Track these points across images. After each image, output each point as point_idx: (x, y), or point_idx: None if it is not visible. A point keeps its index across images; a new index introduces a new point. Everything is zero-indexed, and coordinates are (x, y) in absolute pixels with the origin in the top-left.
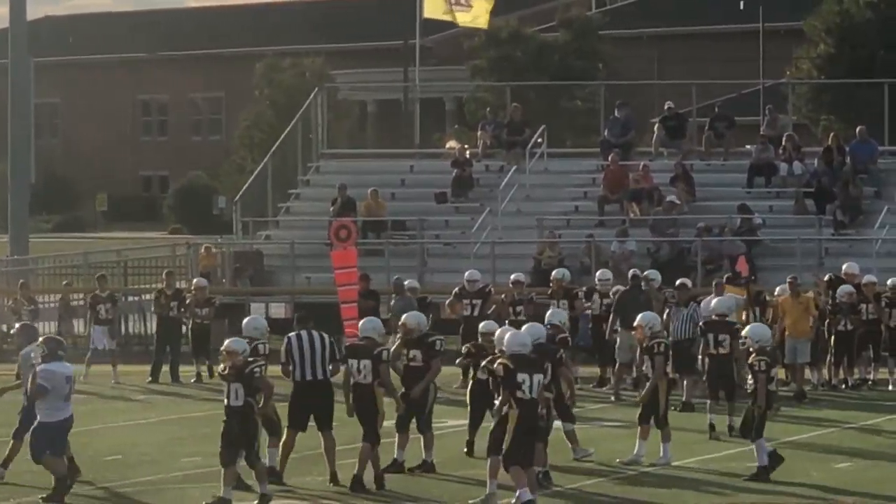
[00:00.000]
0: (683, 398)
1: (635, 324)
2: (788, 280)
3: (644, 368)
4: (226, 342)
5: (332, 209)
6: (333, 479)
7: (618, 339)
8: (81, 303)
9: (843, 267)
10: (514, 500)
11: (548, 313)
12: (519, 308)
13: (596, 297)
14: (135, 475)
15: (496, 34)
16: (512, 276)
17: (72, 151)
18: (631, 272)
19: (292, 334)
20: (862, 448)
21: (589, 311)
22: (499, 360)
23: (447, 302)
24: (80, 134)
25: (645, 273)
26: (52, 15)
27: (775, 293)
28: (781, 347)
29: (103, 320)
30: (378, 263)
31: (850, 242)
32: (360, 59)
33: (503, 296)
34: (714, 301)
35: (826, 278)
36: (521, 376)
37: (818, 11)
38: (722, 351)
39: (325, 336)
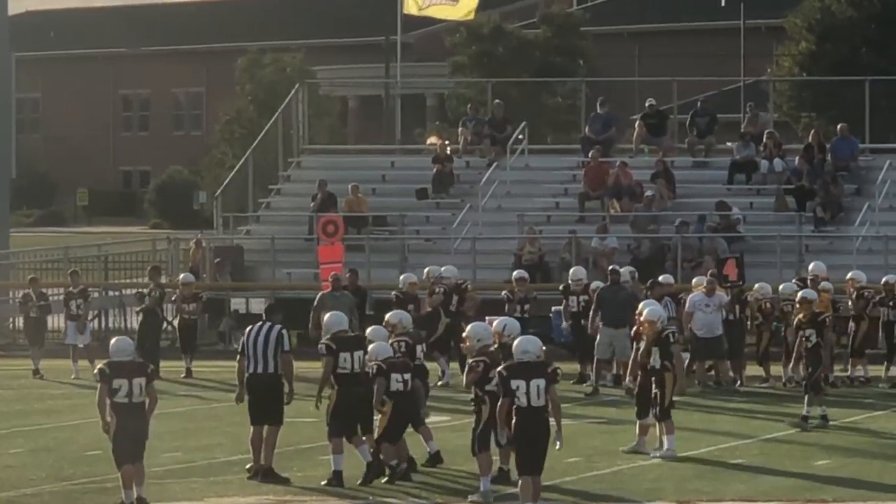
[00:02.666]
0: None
1: (643, 319)
2: (809, 278)
3: (652, 360)
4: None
5: (312, 205)
6: (256, 473)
7: (598, 336)
8: (58, 298)
9: (811, 267)
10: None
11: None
12: (526, 306)
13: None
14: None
15: (477, 30)
16: (515, 273)
17: (53, 146)
18: (610, 268)
19: (252, 326)
20: (841, 445)
21: (569, 308)
22: (497, 369)
23: (425, 297)
24: (61, 129)
25: (612, 266)
26: (33, 10)
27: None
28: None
29: (74, 316)
30: (359, 259)
31: (831, 240)
32: (341, 55)
33: (504, 293)
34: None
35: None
36: (514, 383)
37: (800, 8)
38: (808, 345)
39: (279, 328)
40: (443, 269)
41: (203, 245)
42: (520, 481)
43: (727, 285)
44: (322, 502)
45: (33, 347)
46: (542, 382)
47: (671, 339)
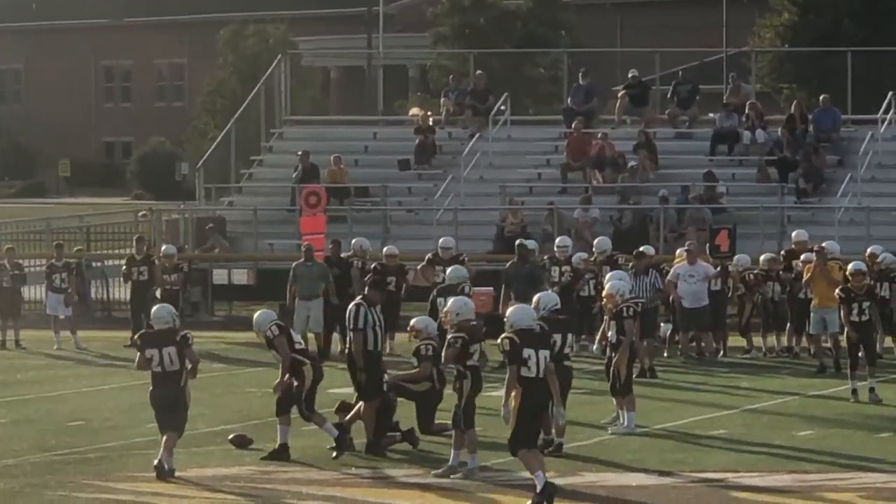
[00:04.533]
0: (643, 364)
1: (605, 293)
2: (816, 249)
3: (609, 335)
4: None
5: (294, 176)
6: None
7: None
8: (36, 269)
9: (793, 235)
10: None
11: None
12: None
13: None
14: (98, 441)
15: (459, 1)
16: (517, 244)
17: (34, 118)
18: (517, 242)
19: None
20: (823, 416)
21: (551, 279)
22: (504, 335)
23: (419, 267)
24: (43, 100)
25: (519, 241)
26: None
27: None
28: (804, 316)
29: (58, 288)
30: (341, 230)
31: (813, 211)
32: (323, 26)
33: (508, 265)
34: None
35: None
36: (527, 352)
37: None
38: (864, 318)
39: (351, 306)
40: (441, 240)
41: (164, 217)
42: (522, 453)
43: (718, 256)
44: (304, 472)
45: (5, 319)
46: (547, 353)
47: (624, 314)
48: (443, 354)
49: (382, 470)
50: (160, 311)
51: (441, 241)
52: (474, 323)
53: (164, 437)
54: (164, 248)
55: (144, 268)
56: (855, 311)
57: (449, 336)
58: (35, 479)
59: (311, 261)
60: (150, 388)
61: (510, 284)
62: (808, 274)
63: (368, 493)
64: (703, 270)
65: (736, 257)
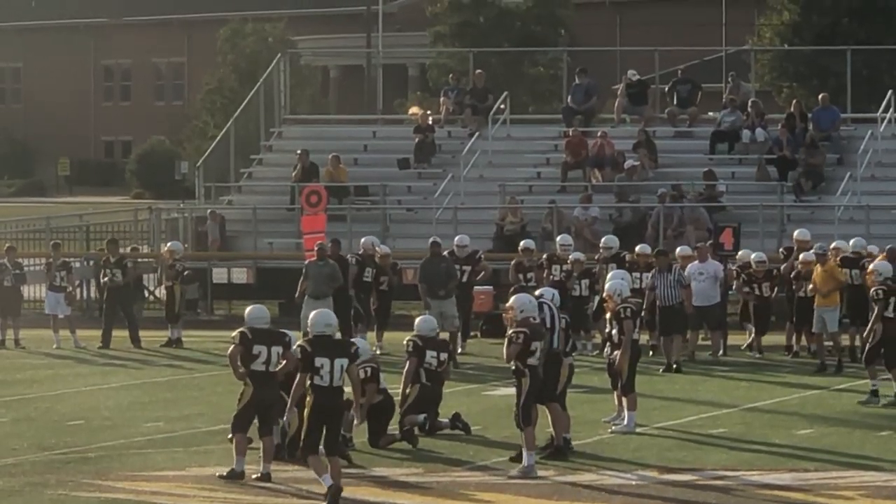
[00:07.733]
0: (669, 360)
1: (605, 293)
2: (815, 249)
3: (614, 334)
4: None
5: (293, 175)
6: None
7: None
8: (37, 268)
9: (795, 234)
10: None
11: None
12: (529, 275)
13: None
14: (97, 440)
15: (459, 0)
16: (521, 244)
17: (34, 116)
18: (430, 239)
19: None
20: (823, 414)
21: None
22: (300, 342)
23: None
24: (43, 99)
25: (432, 239)
26: None
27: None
28: (807, 316)
29: (58, 287)
30: (340, 229)
31: (812, 209)
32: (323, 25)
33: (513, 262)
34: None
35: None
36: (318, 360)
37: None
38: None
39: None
40: (456, 238)
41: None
42: (311, 459)
43: (722, 254)
44: (305, 471)
45: (5, 318)
46: (345, 362)
47: (622, 315)
48: (504, 351)
49: (382, 469)
50: (259, 311)
51: (456, 238)
52: (537, 321)
53: (239, 438)
54: (169, 244)
55: (118, 270)
56: (891, 307)
57: (510, 332)
58: (34, 477)
59: (322, 260)
60: (252, 389)
61: (425, 279)
62: (812, 272)
63: (368, 492)
64: (712, 269)
65: (740, 254)
